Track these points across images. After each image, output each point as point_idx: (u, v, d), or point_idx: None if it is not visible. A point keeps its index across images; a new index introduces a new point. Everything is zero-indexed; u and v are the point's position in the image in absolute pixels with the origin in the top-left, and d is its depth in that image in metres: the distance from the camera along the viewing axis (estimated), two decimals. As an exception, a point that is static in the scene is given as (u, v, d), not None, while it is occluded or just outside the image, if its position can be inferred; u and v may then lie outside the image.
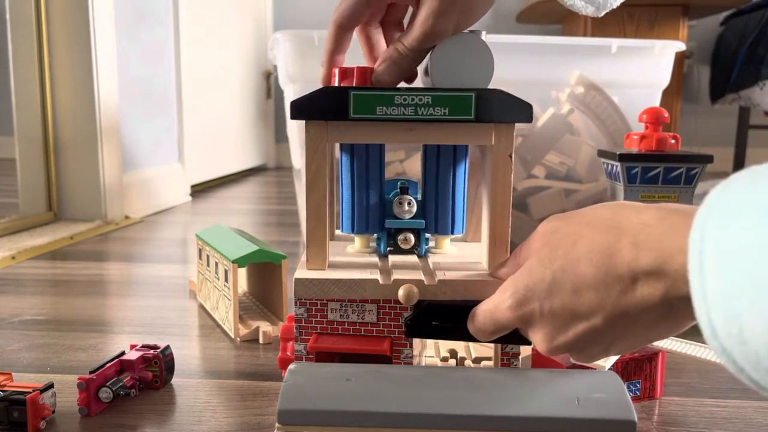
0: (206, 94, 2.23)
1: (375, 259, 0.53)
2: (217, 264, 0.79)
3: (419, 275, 0.47)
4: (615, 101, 1.11)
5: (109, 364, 0.57)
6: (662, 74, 1.16)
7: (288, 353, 0.54)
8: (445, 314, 0.46)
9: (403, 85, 0.50)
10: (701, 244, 0.28)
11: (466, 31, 0.48)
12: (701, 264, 0.28)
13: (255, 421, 0.55)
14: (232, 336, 0.75)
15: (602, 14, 0.52)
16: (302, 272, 0.48)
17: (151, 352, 0.61)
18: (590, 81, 1.11)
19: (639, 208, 0.36)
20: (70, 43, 1.45)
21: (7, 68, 1.46)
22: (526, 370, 0.43)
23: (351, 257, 0.53)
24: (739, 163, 2.48)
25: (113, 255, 1.22)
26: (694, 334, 0.35)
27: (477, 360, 0.59)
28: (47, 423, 0.53)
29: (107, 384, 0.56)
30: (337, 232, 0.60)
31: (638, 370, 0.59)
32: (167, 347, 0.62)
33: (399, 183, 0.55)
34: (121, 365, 0.59)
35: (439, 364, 0.59)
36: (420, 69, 0.51)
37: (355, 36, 0.53)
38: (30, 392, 0.52)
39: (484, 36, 0.47)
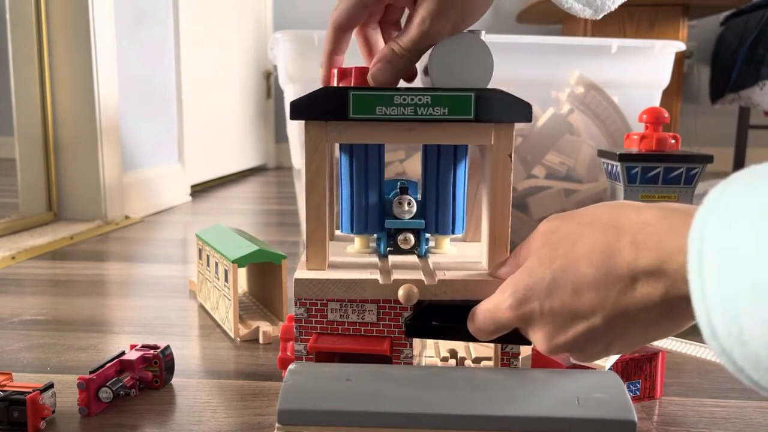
0: (206, 94, 2.23)
1: (375, 259, 0.53)
2: (217, 264, 0.79)
3: (419, 275, 0.47)
4: (615, 101, 1.11)
5: (109, 364, 0.57)
6: (662, 74, 1.16)
7: (288, 353, 0.54)
8: (445, 314, 0.46)
9: (403, 84, 0.50)
10: (701, 244, 0.28)
11: (465, 31, 0.48)
12: (701, 264, 0.28)
13: (255, 421, 0.55)
14: (232, 336, 0.75)
15: (600, 16, 0.52)
16: (302, 272, 0.48)
17: (151, 352, 0.61)
18: (590, 81, 1.11)
19: (639, 207, 0.36)
20: (70, 43, 1.45)
21: (7, 68, 1.46)
22: (526, 370, 0.43)
23: (351, 257, 0.53)
24: (739, 163, 2.48)
25: (113, 255, 1.22)
26: (694, 333, 0.35)
27: (477, 360, 0.59)
28: (47, 423, 0.53)
29: (107, 384, 0.56)
30: (337, 232, 0.60)
31: (638, 370, 0.59)
32: (167, 347, 0.62)
33: (399, 183, 0.55)
34: (121, 365, 0.59)
35: (439, 364, 0.59)
36: (419, 68, 0.51)
37: (355, 37, 0.53)
38: (30, 392, 0.52)
39: (483, 36, 0.47)
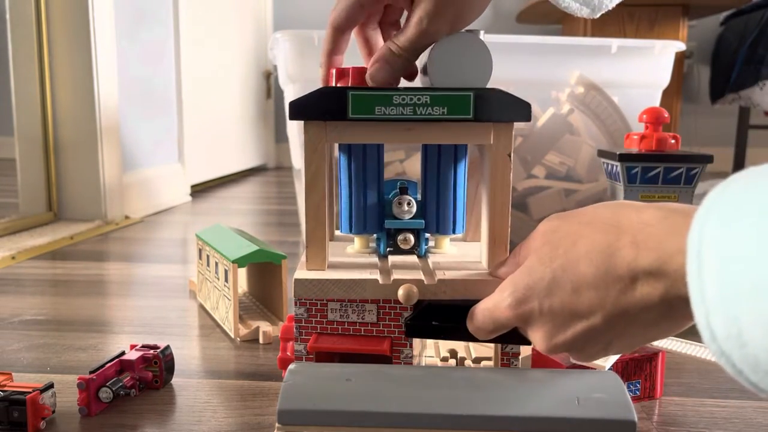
0: (206, 94, 2.23)
1: (375, 259, 0.53)
2: (217, 264, 0.79)
3: (419, 275, 0.47)
4: (615, 101, 1.11)
5: (109, 364, 0.57)
6: (662, 74, 1.16)
7: (288, 353, 0.54)
8: (445, 314, 0.46)
9: (404, 83, 0.50)
10: (700, 245, 0.28)
11: (463, 30, 0.48)
12: (700, 265, 0.28)
13: (255, 421, 0.55)
14: (232, 336, 0.75)
15: (598, 15, 0.52)
16: (302, 272, 0.48)
17: (151, 352, 0.61)
18: (590, 81, 1.11)
19: (640, 207, 0.36)
20: (70, 43, 1.45)
21: (7, 68, 1.46)
22: (526, 370, 0.43)
23: (351, 257, 0.53)
24: (739, 163, 2.48)
25: (113, 255, 1.22)
26: (694, 333, 0.35)
27: (477, 360, 0.59)
28: (47, 423, 0.53)
29: (107, 384, 0.56)
30: (337, 232, 0.60)
31: (638, 370, 0.59)
32: (167, 347, 0.62)
33: (399, 183, 0.55)
34: (121, 365, 0.59)
35: (439, 364, 0.59)
36: (419, 67, 0.51)
37: (354, 37, 0.53)
38: (30, 392, 0.52)
39: (482, 35, 0.47)
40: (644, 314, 0.34)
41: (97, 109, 1.47)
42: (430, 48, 0.47)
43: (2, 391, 0.52)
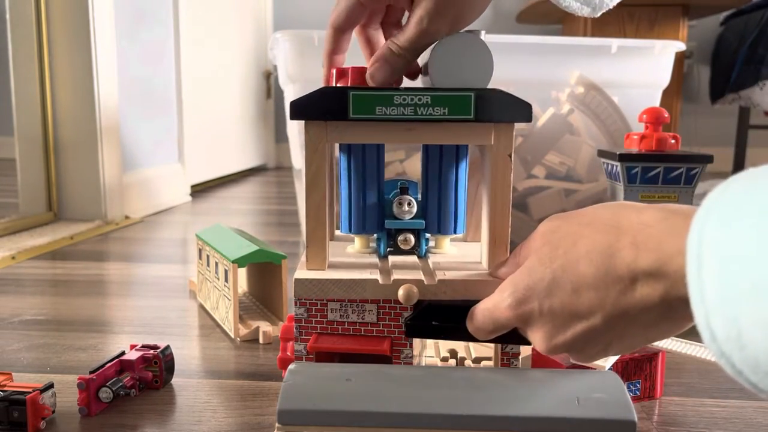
0: (206, 94, 2.23)
1: (375, 259, 0.53)
2: (217, 264, 0.79)
3: (419, 275, 0.47)
4: (615, 101, 1.11)
5: (109, 364, 0.57)
6: (662, 74, 1.16)
7: (288, 353, 0.54)
8: (445, 314, 0.46)
9: (407, 82, 0.50)
10: (699, 246, 0.28)
11: (464, 30, 0.48)
12: (699, 267, 0.28)
13: (255, 421, 0.55)
14: (232, 336, 0.75)
15: (598, 15, 0.52)
16: (302, 272, 0.48)
17: (151, 352, 0.61)
18: (590, 81, 1.11)
19: (640, 208, 0.36)
20: (70, 43, 1.45)
21: (7, 68, 1.46)
22: (526, 370, 0.43)
23: (351, 257, 0.53)
24: (739, 163, 2.48)
25: (113, 255, 1.22)
26: (694, 334, 0.35)
27: (477, 360, 0.59)
28: (47, 423, 0.53)
29: (107, 384, 0.56)
30: (337, 232, 0.60)
31: (638, 370, 0.59)
32: (167, 347, 0.62)
33: (399, 183, 0.54)
34: (121, 365, 0.59)
35: (439, 364, 0.59)
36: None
37: (356, 37, 0.53)
38: (30, 392, 0.52)
39: (482, 36, 0.47)
40: (644, 315, 0.34)
41: (97, 109, 1.47)
42: (430, 48, 0.47)
43: (2, 391, 0.52)
